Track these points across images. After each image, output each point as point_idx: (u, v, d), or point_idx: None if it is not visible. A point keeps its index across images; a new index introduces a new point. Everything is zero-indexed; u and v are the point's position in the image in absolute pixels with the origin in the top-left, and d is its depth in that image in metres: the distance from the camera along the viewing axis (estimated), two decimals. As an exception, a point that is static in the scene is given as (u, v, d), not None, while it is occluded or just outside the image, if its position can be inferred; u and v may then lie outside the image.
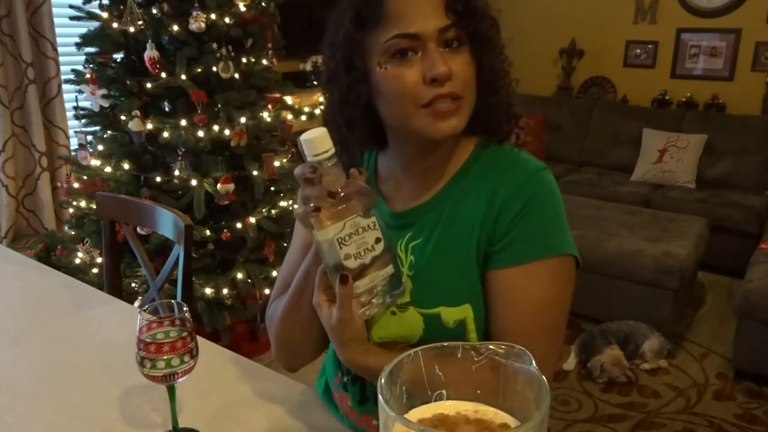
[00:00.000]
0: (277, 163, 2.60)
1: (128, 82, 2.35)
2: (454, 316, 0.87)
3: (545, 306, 0.85)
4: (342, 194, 0.74)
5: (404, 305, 0.89)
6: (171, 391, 0.86)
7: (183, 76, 2.32)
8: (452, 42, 0.82)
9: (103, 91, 2.36)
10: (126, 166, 2.40)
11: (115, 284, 1.68)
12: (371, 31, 0.83)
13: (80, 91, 2.40)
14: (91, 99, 2.37)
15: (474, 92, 0.85)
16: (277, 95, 2.65)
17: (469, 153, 0.93)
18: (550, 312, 0.86)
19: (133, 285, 2.36)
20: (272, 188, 2.67)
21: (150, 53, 2.30)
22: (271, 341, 0.99)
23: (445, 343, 0.56)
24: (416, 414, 0.52)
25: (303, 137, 0.75)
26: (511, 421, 0.51)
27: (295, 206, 0.78)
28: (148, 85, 2.33)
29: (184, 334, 0.83)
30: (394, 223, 0.93)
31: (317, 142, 0.74)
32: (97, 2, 2.36)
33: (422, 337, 0.89)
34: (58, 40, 2.90)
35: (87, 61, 2.42)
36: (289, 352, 0.98)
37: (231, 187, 2.38)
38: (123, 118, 2.33)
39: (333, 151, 0.75)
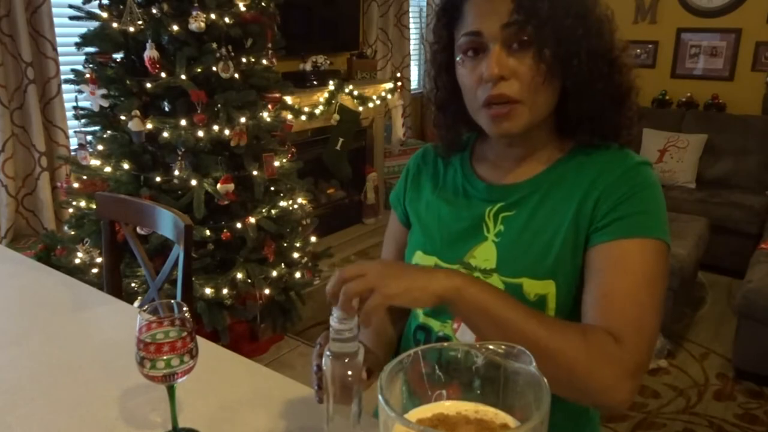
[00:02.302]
0: (277, 163, 2.60)
1: (128, 82, 2.35)
2: (536, 289, 0.87)
3: (653, 279, 0.81)
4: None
5: (489, 271, 0.91)
6: (171, 391, 0.86)
7: (183, 76, 2.32)
8: (515, 42, 0.82)
9: (103, 91, 2.35)
10: (126, 166, 2.40)
11: (114, 284, 1.68)
12: (454, 27, 0.89)
13: (80, 91, 2.39)
14: (90, 99, 2.37)
15: (544, 95, 0.85)
16: (277, 95, 2.65)
17: (568, 150, 0.94)
18: (657, 287, 0.81)
19: (133, 285, 2.36)
20: (272, 188, 2.66)
21: (150, 53, 2.29)
22: None
23: (445, 344, 0.56)
24: (416, 414, 0.52)
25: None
26: (511, 421, 0.51)
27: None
28: (148, 85, 2.33)
29: (184, 334, 0.82)
30: (486, 196, 0.96)
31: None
32: (97, 2, 2.36)
33: None
34: (58, 40, 2.89)
35: (87, 61, 2.42)
36: None
37: (231, 187, 2.38)
38: (123, 118, 2.33)
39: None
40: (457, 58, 0.89)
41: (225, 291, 2.44)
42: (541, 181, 0.92)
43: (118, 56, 2.47)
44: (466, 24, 0.86)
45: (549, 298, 0.87)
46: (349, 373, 0.73)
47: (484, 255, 0.92)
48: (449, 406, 0.53)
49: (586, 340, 0.75)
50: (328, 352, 0.73)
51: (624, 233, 0.82)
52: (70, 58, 2.79)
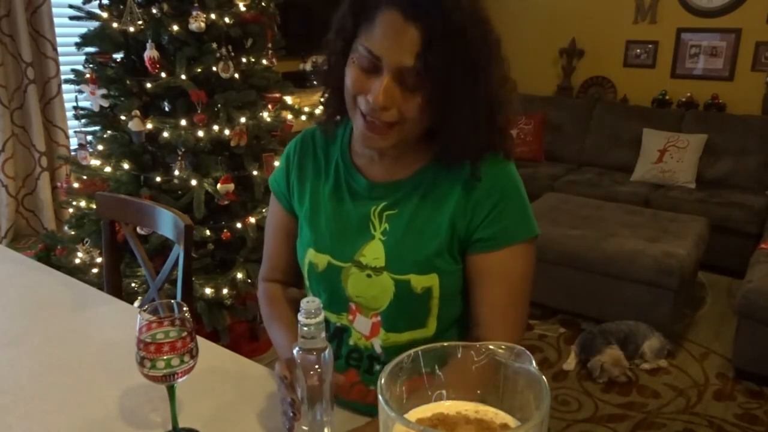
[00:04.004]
0: (277, 163, 2.60)
1: (128, 82, 2.35)
2: (422, 283, 0.97)
3: (525, 278, 0.98)
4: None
5: (379, 269, 0.99)
6: (171, 391, 0.86)
7: (183, 76, 2.32)
8: (409, 82, 0.85)
9: (103, 91, 2.35)
10: (126, 166, 2.40)
11: (115, 284, 1.68)
12: (360, 24, 0.89)
13: (80, 91, 2.40)
14: (90, 99, 2.37)
15: (419, 123, 0.90)
16: (277, 95, 2.65)
17: (435, 152, 0.98)
18: (529, 282, 0.99)
19: (133, 285, 2.36)
20: (272, 188, 2.66)
21: (150, 53, 2.29)
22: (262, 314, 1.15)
23: (445, 343, 0.56)
24: (416, 414, 0.52)
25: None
26: (511, 421, 0.51)
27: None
28: (148, 85, 2.33)
29: (184, 334, 0.83)
30: (369, 194, 1.01)
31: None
32: (97, 2, 2.36)
33: (392, 300, 0.98)
34: (58, 40, 2.90)
35: (87, 61, 2.42)
36: None
37: (231, 187, 2.38)
38: (123, 118, 2.33)
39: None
40: (351, 57, 0.90)
41: (225, 291, 2.44)
42: (417, 180, 0.99)
43: (118, 56, 2.47)
44: (371, 36, 0.86)
45: (434, 289, 0.97)
46: (316, 366, 0.78)
47: (374, 253, 0.99)
48: (449, 406, 0.53)
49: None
50: (297, 348, 0.77)
51: (502, 244, 0.95)
52: (70, 58, 2.80)
